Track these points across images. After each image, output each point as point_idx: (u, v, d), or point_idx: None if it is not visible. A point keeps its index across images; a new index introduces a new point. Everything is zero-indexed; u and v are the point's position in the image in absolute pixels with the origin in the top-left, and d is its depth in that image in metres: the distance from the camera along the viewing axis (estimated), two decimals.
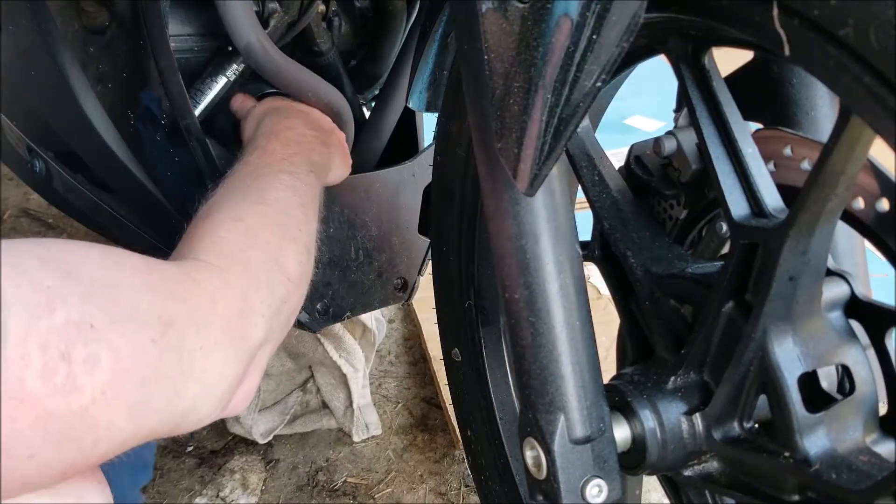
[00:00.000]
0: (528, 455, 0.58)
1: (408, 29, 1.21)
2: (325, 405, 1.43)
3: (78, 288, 0.48)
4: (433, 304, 0.97)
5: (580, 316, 0.57)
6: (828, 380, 0.57)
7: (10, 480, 0.44)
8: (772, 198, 0.56)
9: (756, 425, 0.58)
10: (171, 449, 1.42)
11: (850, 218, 0.54)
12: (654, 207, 0.70)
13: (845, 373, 0.56)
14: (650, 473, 0.63)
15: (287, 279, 0.70)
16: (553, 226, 0.56)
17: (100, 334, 0.47)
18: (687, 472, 0.62)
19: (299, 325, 1.06)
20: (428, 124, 1.06)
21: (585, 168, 0.68)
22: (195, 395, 0.56)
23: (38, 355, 0.43)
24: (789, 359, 0.54)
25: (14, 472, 0.44)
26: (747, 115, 0.59)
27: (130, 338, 0.50)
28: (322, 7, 1.10)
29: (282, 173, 0.81)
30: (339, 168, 0.97)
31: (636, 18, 0.46)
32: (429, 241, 1.11)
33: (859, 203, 0.54)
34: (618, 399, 0.61)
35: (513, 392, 0.90)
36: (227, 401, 0.61)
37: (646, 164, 0.69)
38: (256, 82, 1.08)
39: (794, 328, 0.54)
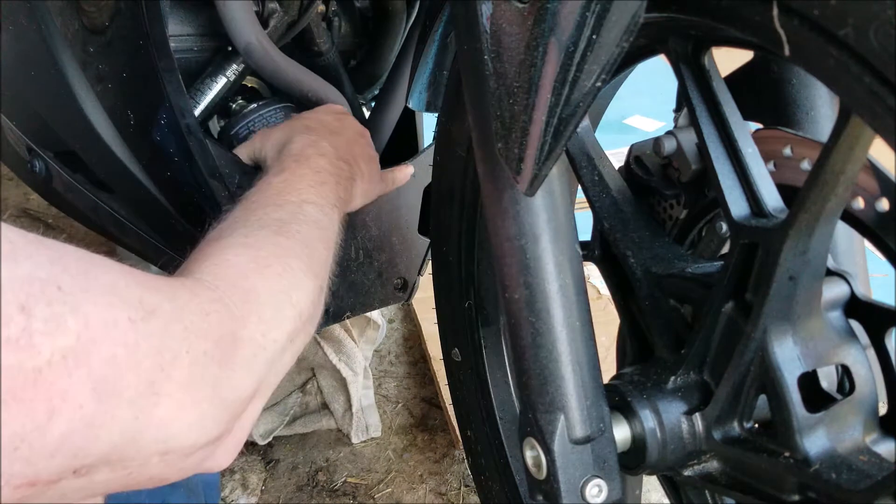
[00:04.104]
0: (528, 455, 0.58)
1: (408, 29, 1.21)
2: (324, 406, 1.43)
3: (48, 252, 0.41)
4: (433, 304, 0.97)
5: (580, 316, 0.57)
6: (828, 380, 0.57)
7: None
8: (772, 198, 0.56)
9: (756, 425, 0.58)
10: None
11: (850, 218, 0.54)
12: (654, 207, 0.70)
13: (845, 373, 0.56)
14: (650, 473, 0.63)
15: (298, 316, 0.62)
16: (553, 226, 0.56)
17: (68, 297, 0.41)
18: (687, 472, 0.61)
19: None
20: (428, 124, 1.06)
21: (585, 168, 0.68)
22: (174, 409, 0.47)
23: None
24: (789, 359, 0.54)
25: None
26: (747, 115, 0.59)
27: (105, 309, 0.43)
28: (322, 7, 1.11)
29: (307, 204, 0.74)
30: (357, 201, 0.90)
31: (636, 18, 0.46)
32: (429, 241, 1.11)
33: (859, 203, 0.54)
34: (618, 399, 0.61)
35: (513, 392, 0.90)
36: (207, 441, 0.50)
37: (646, 164, 0.69)
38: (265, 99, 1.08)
39: (794, 328, 0.54)
